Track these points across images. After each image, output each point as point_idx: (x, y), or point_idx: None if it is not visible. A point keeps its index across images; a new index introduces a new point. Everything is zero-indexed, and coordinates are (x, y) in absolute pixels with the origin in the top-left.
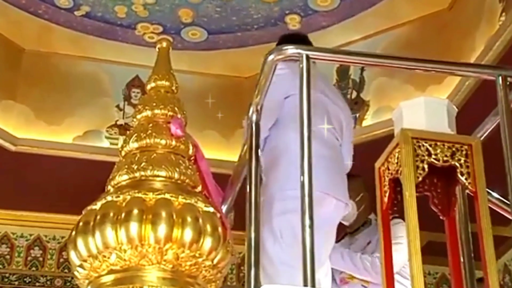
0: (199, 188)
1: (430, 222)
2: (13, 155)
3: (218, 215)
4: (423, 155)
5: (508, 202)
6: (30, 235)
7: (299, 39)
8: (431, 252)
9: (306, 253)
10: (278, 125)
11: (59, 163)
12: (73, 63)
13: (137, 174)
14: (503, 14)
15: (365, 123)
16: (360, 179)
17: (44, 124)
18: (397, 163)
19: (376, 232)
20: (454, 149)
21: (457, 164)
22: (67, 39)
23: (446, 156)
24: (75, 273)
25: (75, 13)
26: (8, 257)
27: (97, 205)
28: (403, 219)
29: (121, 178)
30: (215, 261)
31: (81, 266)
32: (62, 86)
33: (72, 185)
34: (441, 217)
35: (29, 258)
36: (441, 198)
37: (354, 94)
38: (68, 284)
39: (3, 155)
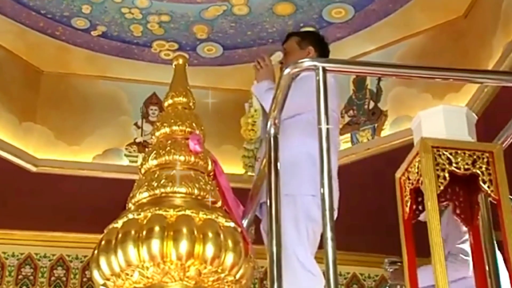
0: (219, 204)
1: None
2: (34, 176)
3: (239, 229)
4: (443, 164)
5: None
6: (53, 255)
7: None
8: None
9: (329, 265)
10: (300, 129)
11: (79, 183)
12: (91, 83)
13: (157, 191)
14: None
15: (383, 133)
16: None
17: (64, 144)
18: (417, 172)
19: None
20: (475, 156)
21: (479, 172)
22: (84, 59)
23: (467, 164)
24: None
25: (92, 33)
26: (32, 277)
27: (119, 223)
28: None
29: (142, 195)
30: (237, 276)
31: (104, 285)
32: (81, 106)
33: (93, 204)
34: (464, 226)
35: (52, 278)
36: (464, 207)
37: (372, 104)
38: None
39: (25, 176)
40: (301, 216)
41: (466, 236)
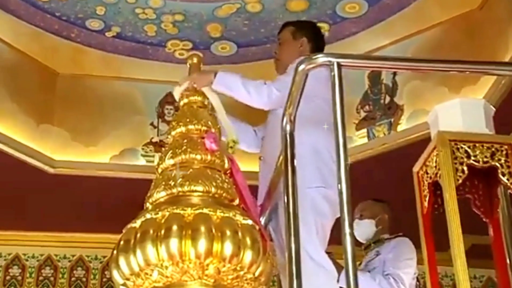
0: (237, 201)
1: (473, 224)
2: (52, 178)
3: (257, 227)
4: (462, 157)
5: None
6: (73, 256)
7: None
8: (476, 255)
9: (348, 261)
10: (306, 122)
11: (97, 183)
12: (106, 84)
13: (174, 190)
14: None
15: (399, 127)
16: (381, 203)
17: (81, 145)
18: (435, 166)
19: (387, 248)
20: (493, 149)
21: (498, 165)
22: (100, 60)
23: (485, 157)
24: None
25: (106, 34)
26: (52, 278)
27: (137, 223)
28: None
29: (159, 195)
30: (256, 274)
31: (124, 285)
32: (97, 107)
33: (111, 204)
34: (484, 219)
35: (72, 279)
36: (483, 200)
37: (388, 99)
38: None
39: (42, 177)
40: (309, 211)
41: (407, 269)
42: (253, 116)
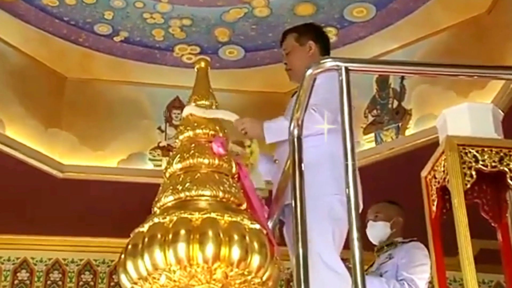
0: (244, 206)
1: (482, 229)
2: (60, 182)
3: (265, 231)
4: (470, 162)
5: None
6: (81, 260)
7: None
8: (484, 260)
9: (356, 266)
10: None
11: (105, 187)
12: (114, 88)
13: (182, 195)
14: None
15: (407, 132)
16: (396, 206)
17: (89, 149)
18: (443, 171)
19: (400, 252)
20: (502, 154)
21: (506, 169)
22: (108, 65)
23: (494, 161)
24: None
25: (114, 39)
26: (60, 283)
27: (145, 227)
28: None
29: (167, 199)
30: (264, 278)
31: None
32: (105, 111)
33: (119, 209)
34: (492, 224)
35: (80, 283)
36: (492, 205)
37: (395, 103)
38: None
39: (51, 182)
40: (325, 217)
41: (422, 275)
42: None
